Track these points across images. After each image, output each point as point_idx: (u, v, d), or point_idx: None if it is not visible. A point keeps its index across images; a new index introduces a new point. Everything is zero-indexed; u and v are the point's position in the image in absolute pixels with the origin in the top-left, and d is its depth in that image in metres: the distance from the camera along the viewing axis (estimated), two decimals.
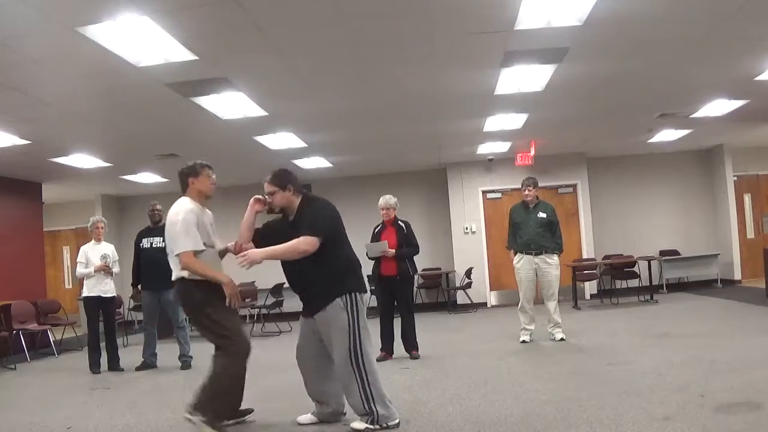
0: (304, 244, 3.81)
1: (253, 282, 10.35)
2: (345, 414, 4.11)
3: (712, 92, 7.59)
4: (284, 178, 4.02)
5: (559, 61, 5.85)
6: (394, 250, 6.35)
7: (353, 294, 3.88)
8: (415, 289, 7.03)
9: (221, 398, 3.91)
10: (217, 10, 4.27)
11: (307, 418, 4.12)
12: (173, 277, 4.09)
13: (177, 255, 3.97)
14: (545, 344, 6.70)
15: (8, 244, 9.41)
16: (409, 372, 5.71)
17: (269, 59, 5.37)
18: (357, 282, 3.98)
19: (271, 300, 9.69)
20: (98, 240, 7.07)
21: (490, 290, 11.77)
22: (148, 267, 6.95)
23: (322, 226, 3.86)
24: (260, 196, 4.14)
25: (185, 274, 4.00)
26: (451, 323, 9.61)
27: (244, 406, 4.26)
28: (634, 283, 10.98)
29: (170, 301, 6.94)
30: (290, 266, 3.98)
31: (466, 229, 11.81)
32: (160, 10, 4.18)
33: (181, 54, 4.96)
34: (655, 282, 10.86)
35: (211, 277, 4.01)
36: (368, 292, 4.13)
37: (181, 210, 4.05)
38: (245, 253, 3.85)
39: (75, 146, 8.10)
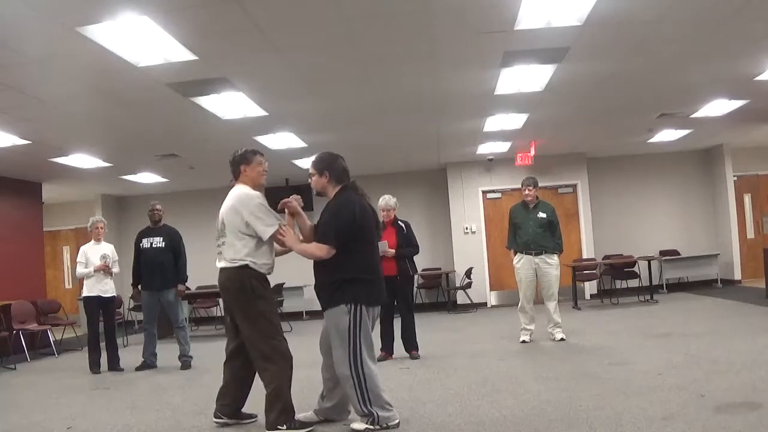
0: (317, 250, 3.83)
1: None
2: (350, 412, 4.09)
3: (712, 92, 7.59)
4: (322, 163, 4.00)
5: (559, 61, 5.85)
6: (394, 250, 6.35)
7: (359, 305, 3.81)
8: (415, 289, 7.03)
9: (284, 402, 3.89)
10: (217, 10, 4.28)
11: (308, 416, 4.11)
12: (228, 264, 3.95)
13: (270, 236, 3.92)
14: (545, 344, 6.70)
15: (8, 244, 9.41)
16: (409, 372, 5.70)
17: (269, 59, 5.37)
18: (366, 293, 3.86)
19: None
20: (98, 240, 7.07)
21: (490, 290, 11.77)
22: (148, 267, 6.96)
23: (332, 234, 3.81)
24: (287, 200, 4.12)
25: (249, 261, 3.94)
26: (451, 323, 9.60)
27: (248, 410, 4.25)
28: (634, 283, 10.98)
29: (170, 301, 6.95)
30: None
31: (466, 229, 11.82)
32: (160, 10, 4.18)
33: (181, 54, 4.96)
34: (655, 282, 10.85)
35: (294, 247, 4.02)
36: (378, 304, 4.00)
37: (245, 194, 3.98)
38: (285, 231, 3.93)
39: (75, 146, 8.11)
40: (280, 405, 3.86)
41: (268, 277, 4.09)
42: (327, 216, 3.89)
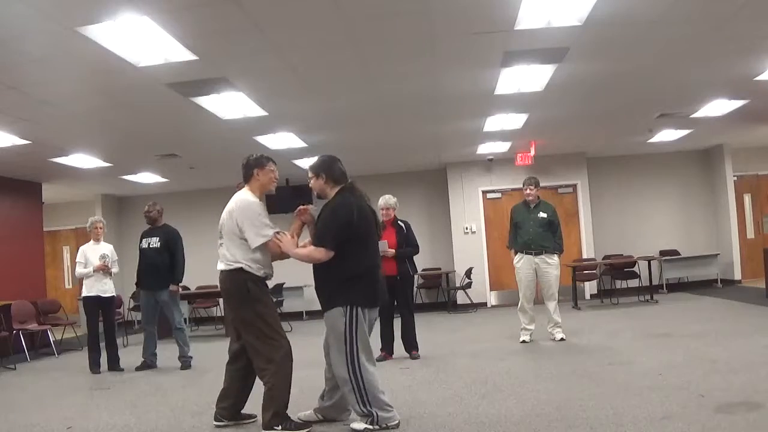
0: (317, 253, 3.85)
1: None
2: (350, 411, 4.08)
3: (712, 92, 7.59)
4: (318, 166, 4.05)
5: (559, 61, 5.85)
6: (393, 250, 6.35)
7: (355, 308, 3.82)
8: (415, 289, 7.03)
9: (279, 403, 3.90)
10: (217, 10, 4.28)
11: (308, 415, 4.11)
12: (225, 267, 3.98)
13: (261, 245, 3.91)
14: (545, 344, 6.70)
15: (8, 244, 9.41)
16: (409, 372, 5.70)
17: (269, 59, 5.37)
18: (363, 295, 3.87)
19: None
20: (97, 240, 7.07)
21: (490, 290, 11.77)
22: (146, 267, 6.96)
23: (329, 237, 3.83)
24: (305, 208, 4.13)
25: (244, 264, 3.95)
26: (451, 323, 9.60)
27: (248, 411, 4.25)
28: (634, 283, 10.99)
29: (166, 301, 6.94)
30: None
31: (466, 229, 11.82)
32: (160, 10, 4.18)
33: (181, 54, 4.96)
34: (655, 282, 10.86)
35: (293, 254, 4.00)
36: (376, 306, 4.00)
37: (244, 199, 4.00)
38: (282, 238, 3.95)
39: (75, 146, 8.11)
40: (274, 406, 3.88)
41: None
42: (323, 218, 3.91)
